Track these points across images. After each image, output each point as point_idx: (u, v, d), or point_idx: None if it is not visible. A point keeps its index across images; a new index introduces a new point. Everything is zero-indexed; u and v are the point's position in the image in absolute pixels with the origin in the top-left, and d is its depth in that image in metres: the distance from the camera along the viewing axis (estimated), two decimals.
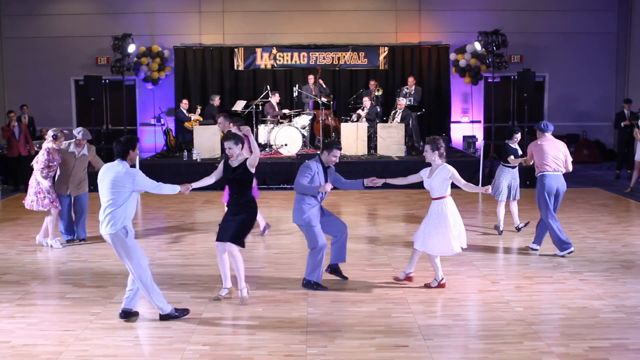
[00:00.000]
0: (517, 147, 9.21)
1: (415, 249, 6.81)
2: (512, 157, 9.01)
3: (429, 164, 6.75)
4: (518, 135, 9.23)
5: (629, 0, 17.14)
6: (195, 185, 6.38)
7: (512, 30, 15.54)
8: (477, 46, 15.27)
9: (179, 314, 5.91)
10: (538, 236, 8.21)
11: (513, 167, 9.17)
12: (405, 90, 15.54)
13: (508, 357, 5.09)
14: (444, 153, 6.69)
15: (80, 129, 8.72)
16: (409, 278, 6.97)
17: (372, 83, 15.87)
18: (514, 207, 9.28)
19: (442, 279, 6.78)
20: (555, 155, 7.94)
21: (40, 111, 16.32)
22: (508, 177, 9.13)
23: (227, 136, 6.37)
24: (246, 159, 6.32)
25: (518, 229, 9.26)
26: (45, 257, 8.17)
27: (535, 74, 14.75)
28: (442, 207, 6.58)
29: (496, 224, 9.32)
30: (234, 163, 6.31)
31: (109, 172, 5.70)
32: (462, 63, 16.89)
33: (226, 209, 6.66)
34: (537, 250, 8.19)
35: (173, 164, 13.80)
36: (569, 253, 7.90)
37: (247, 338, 5.50)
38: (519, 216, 9.38)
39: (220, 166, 6.45)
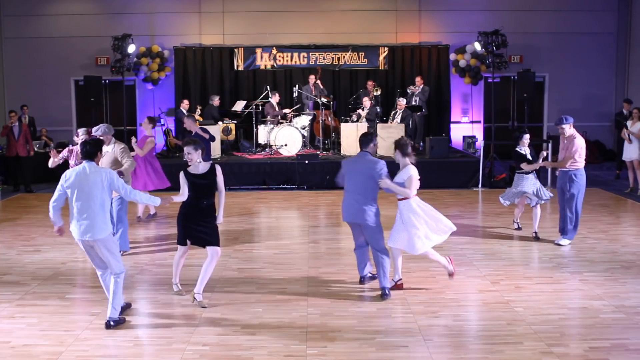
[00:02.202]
0: (526, 150, 8.72)
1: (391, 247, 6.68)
2: (524, 164, 8.56)
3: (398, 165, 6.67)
4: (526, 137, 8.70)
5: (628, 1, 17.14)
6: (176, 199, 6.31)
7: (512, 30, 15.54)
8: (477, 46, 15.26)
9: (120, 320, 5.83)
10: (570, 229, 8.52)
11: (527, 173, 8.69)
12: (409, 91, 15.54)
13: (508, 357, 5.10)
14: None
15: (99, 125, 8.19)
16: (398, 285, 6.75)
17: (369, 83, 15.86)
18: (536, 211, 8.82)
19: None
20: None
21: (40, 111, 16.33)
22: (529, 185, 8.67)
23: (187, 142, 6.35)
24: (213, 164, 6.34)
25: (535, 236, 8.82)
26: (45, 257, 8.17)
27: (535, 74, 14.74)
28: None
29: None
30: (198, 169, 6.27)
31: (87, 175, 5.59)
32: (462, 63, 16.89)
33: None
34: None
35: (173, 164, 13.78)
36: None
37: (247, 338, 5.50)
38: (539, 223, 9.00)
39: (182, 178, 6.30)
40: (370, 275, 6.92)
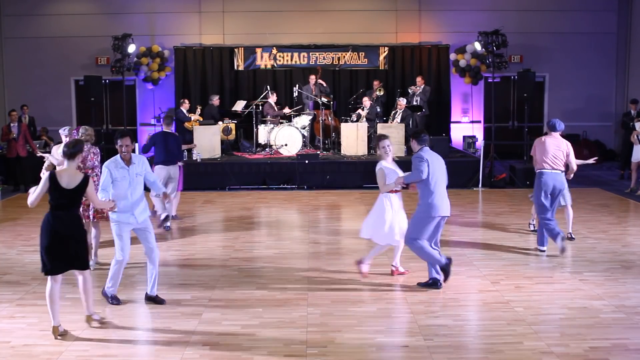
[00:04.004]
0: None
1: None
2: None
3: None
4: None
5: (629, 0, 17.14)
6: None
7: (512, 30, 15.54)
8: (477, 46, 15.26)
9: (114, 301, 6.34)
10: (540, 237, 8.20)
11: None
12: (410, 91, 15.53)
13: (508, 357, 5.09)
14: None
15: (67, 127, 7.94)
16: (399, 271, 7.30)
17: (376, 82, 15.86)
18: (568, 211, 8.71)
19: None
20: (554, 154, 7.96)
21: (40, 111, 16.32)
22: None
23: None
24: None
25: (569, 237, 8.70)
26: None
27: (535, 74, 14.74)
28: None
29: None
30: None
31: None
32: (462, 63, 16.89)
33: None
34: (544, 251, 8.11)
35: None
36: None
37: (247, 338, 5.50)
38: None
39: None
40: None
